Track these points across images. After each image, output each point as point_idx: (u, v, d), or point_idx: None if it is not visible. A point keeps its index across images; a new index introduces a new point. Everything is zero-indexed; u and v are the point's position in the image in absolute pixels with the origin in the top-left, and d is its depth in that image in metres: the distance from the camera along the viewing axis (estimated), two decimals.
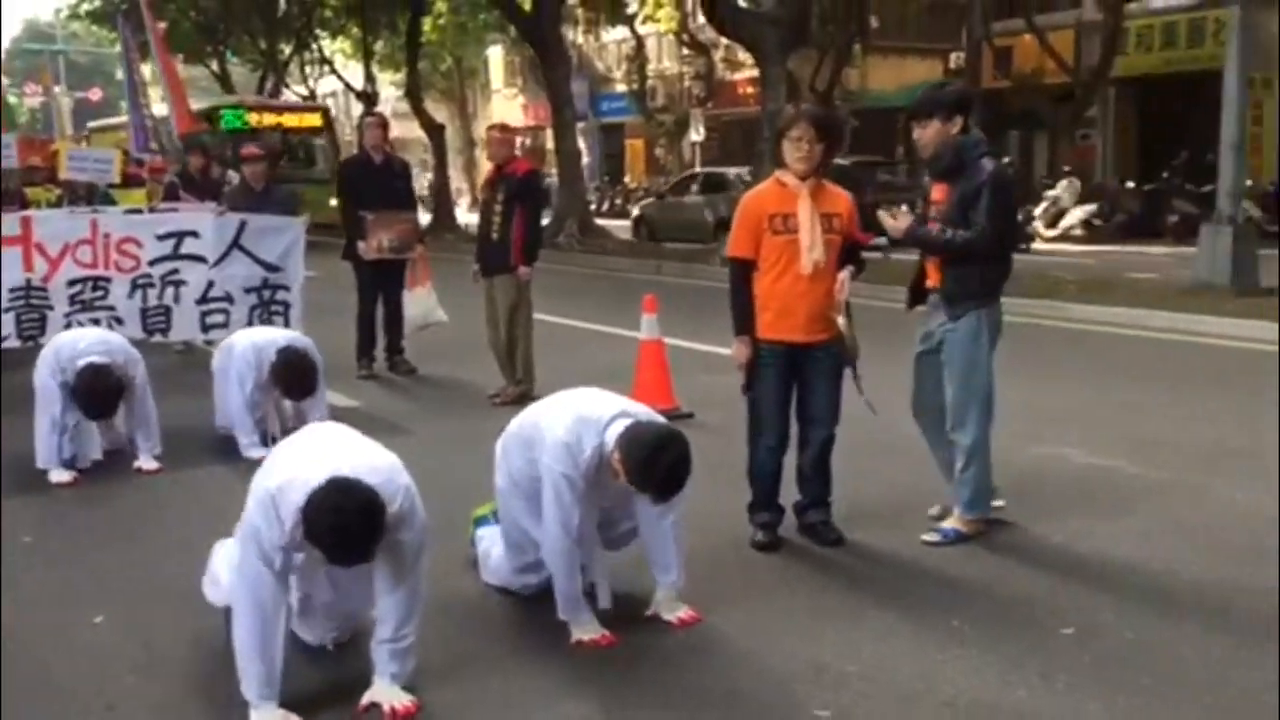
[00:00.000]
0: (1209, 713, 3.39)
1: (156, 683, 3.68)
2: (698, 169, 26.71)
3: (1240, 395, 7.71)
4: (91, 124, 33.68)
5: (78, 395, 5.79)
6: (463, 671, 3.70)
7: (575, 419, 3.87)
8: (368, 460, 3.36)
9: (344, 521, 3.07)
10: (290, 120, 26.28)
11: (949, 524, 4.87)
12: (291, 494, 3.18)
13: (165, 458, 6.22)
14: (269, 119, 25.69)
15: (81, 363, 5.79)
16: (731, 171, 23.24)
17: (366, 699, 3.43)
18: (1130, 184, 23.24)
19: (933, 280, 4.84)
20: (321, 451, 3.39)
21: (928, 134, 4.73)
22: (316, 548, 3.19)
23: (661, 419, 4.00)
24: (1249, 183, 16.80)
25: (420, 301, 8.76)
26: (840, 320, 4.73)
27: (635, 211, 24.90)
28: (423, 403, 8.13)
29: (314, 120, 26.37)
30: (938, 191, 4.83)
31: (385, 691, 3.44)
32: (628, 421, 3.80)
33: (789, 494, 4.98)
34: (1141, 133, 26.53)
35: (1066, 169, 23.10)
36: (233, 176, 11.03)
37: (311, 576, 3.55)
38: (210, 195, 9.88)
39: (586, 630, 3.90)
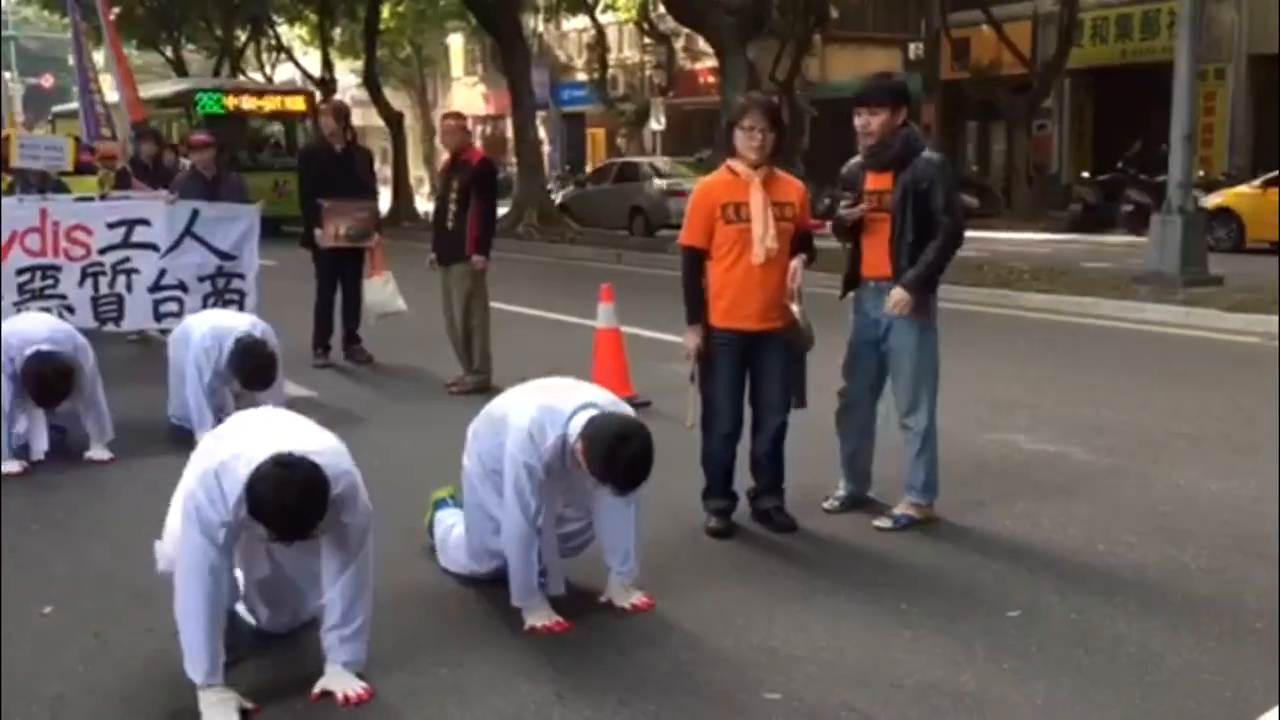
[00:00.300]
0: (1148, 690, 3.47)
1: (107, 671, 3.66)
2: (614, 159, 27.11)
3: (1187, 382, 7.85)
4: (56, 109, 32.40)
5: (26, 382, 5.73)
6: (416, 659, 3.71)
7: (540, 408, 3.89)
8: (312, 441, 3.37)
9: (288, 496, 3.08)
10: (272, 104, 24.28)
11: (901, 510, 4.93)
12: (235, 470, 3.18)
13: (118, 447, 6.17)
14: (249, 103, 23.90)
15: (29, 350, 5.73)
16: (645, 161, 24.26)
17: (319, 687, 3.44)
18: (1085, 174, 23.54)
19: (883, 270, 4.87)
20: (265, 430, 3.40)
21: (877, 122, 4.76)
22: (260, 523, 3.19)
23: (628, 410, 4.02)
24: (1200, 173, 17.09)
25: (379, 290, 8.72)
26: (794, 308, 4.76)
27: (558, 200, 25.00)
28: (380, 391, 8.10)
29: (298, 104, 24.06)
30: (877, 180, 4.83)
31: (338, 679, 3.44)
32: (592, 412, 3.82)
33: (743, 481, 5.03)
34: (1097, 123, 26.89)
35: None
36: (185, 164, 10.92)
37: (254, 559, 3.55)
38: (163, 183, 9.78)
39: (540, 617, 3.92)
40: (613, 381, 7.27)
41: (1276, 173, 17.42)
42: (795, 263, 4.74)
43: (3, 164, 11.36)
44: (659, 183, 21.86)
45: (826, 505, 5.13)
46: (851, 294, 5.05)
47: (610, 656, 3.73)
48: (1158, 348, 9.44)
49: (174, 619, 3.32)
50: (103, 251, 7.75)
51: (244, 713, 3.31)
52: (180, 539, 3.33)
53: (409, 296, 8.75)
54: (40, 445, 6.03)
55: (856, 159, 5.02)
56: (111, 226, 7.82)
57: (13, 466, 5.85)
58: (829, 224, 5.11)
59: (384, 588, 4.26)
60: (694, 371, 4.89)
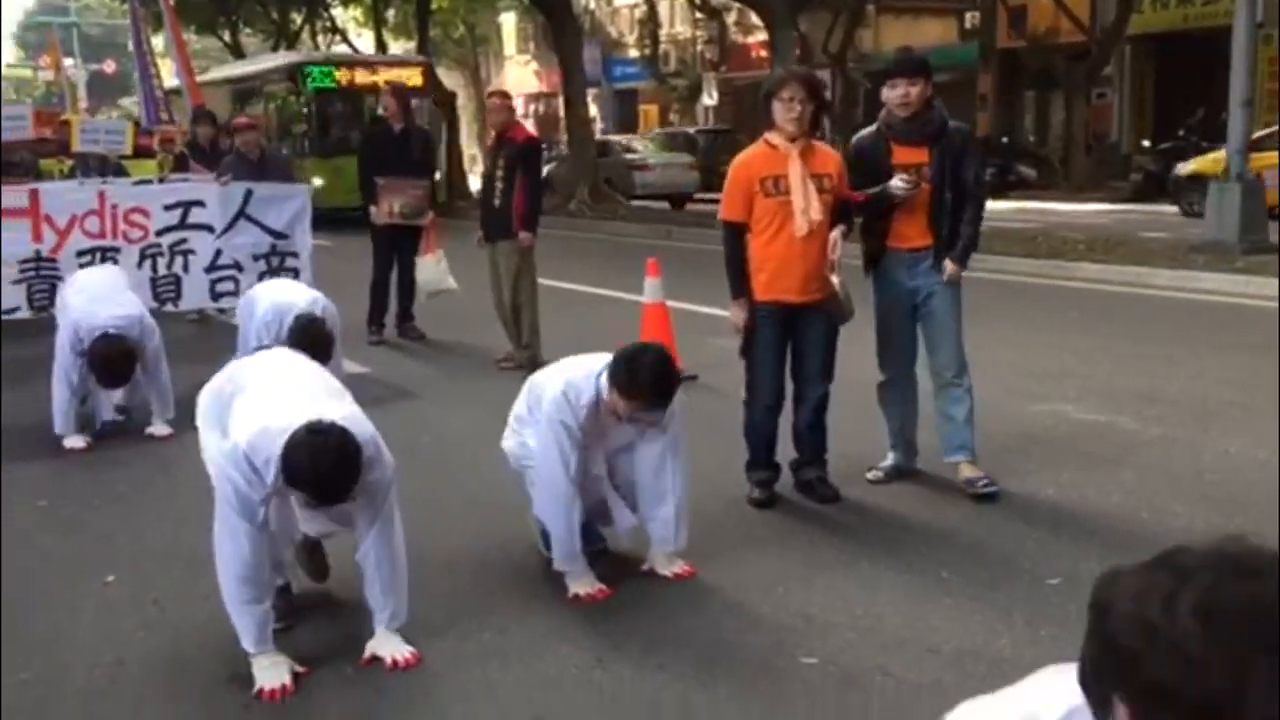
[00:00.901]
0: None
1: (165, 638, 3.80)
2: (598, 135, 28.27)
3: (1241, 351, 7.74)
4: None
5: (93, 364, 5.91)
6: (461, 624, 3.81)
7: (571, 372, 4.03)
8: (330, 405, 3.47)
9: (323, 464, 3.18)
10: (388, 78, 19.94)
11: (972, 473, 4.92)
12: (264, 446, 3.28)
13: (177, 424, 6.33)
14: (362, 76, 20.97)
15: (97, 332, 5.90)
16: (616, 139, 27.33)
17: (369, 652, 3.55)
18: (1146, 143, 23.11)
19: (915, 241, 4.89)
20: (276, 398, 3.50)
21: (916, 92, 4.75)
22: (299, 491, 3.31)
23: None
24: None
25: (431, 269, 8.85)
26: (834, 279, 4.78)
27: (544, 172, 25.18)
28: (432, 367, 8.24)
29: (415, 77, 20.87)
30: (908, 154, 4.82)
31: (386, 643, 3.55)
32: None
33: (787, 453, 5.06)
34: (1158, 91, 26.35)
35: None
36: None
37: (287, 513, 3.67)
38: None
39: (583, 584, 4.00)
40: None
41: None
42: (835, 234, 4.75)
43: (64, 148, 11.64)
44: (627, 157, 25.51)
45: (870, 476, 5.15)
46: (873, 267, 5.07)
47: (650, 622, 3.80)
48: (1214, 317, 9.30)
49: None
50: (160, 233, 7.93)
51: (295, 676, 3.43)
52: (218, 521, 3.43)
53: (459, 274, 8.87)
54: (104, 416, 6.23)
55: (867, 131, 5.05)
56: (168, 209, 8.00)
57: (77, 443, 6.05)
58: (862, 204, 5.07)
59: (431, 556, 4.38)
60: (741, 345, 4.93)
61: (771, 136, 4.75)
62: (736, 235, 4.85)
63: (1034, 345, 7.76)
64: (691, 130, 29.34)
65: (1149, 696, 1.09)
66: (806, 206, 4.67)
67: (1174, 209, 17.83)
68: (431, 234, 8.93)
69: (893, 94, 4.82)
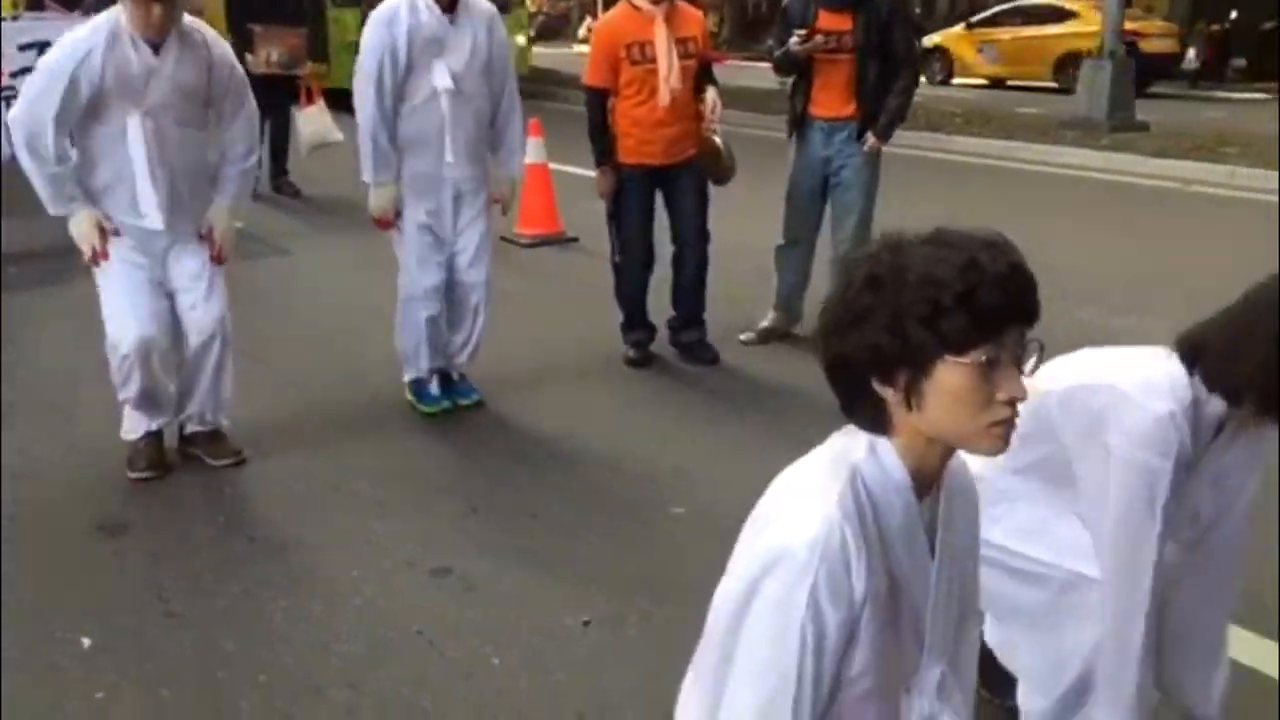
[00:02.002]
0: None
1: (34, 488, 3.77)
2: None
3: (1099, 224, 8.06)
4: None
5: None
6: (340, 477, 3.87)
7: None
8: None
9: None
10: None
11: None
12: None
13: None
14: None
15: None
16: None
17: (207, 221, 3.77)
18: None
19: (835, 111, 4.91)
20: None
21: None
22: None
23: None
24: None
25: (314, 121, 8.54)
26: (716, 139, 4.81)
27: None
28: (310, 225, 8.07)
29: None
30: (833, 20, 4.82)
31: (223, 217, 3.80)
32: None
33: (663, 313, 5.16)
34: None
35: None
36: None
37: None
38: (77, 4, 9.42)
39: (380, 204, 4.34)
40: (540, 217, 7.34)
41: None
42: (713, 95, 4.77)
43: None
44: None
45: (743, 338, 5.28)
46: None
47: (524, 475, 3.91)
48: (1078, 191, 9.62)
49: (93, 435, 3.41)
50: (14, 75, 7.50)
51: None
52: None
53: (342, 128, 8.60)
54: None
55: None
56: (23, 49, 7.55)
57: None
58: (773, 64, 5.06)
59: (308, 411, 4.41)
60: (608, 210, 4.95)
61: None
62: (601, 101, 4.79)
63: (908, 217, 7.93)
64: None
65: None
66: (669, 74, 4.65)
67: (1047, 85, 18.21)
68: (313, 84, 8.63)
69: None
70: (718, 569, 1.48)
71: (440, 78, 4.09)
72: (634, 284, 5.02)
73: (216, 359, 3.82)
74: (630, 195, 4.86)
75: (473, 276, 4.40)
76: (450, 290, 4.41)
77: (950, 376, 1.26)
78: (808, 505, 1.30)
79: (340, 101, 6.98)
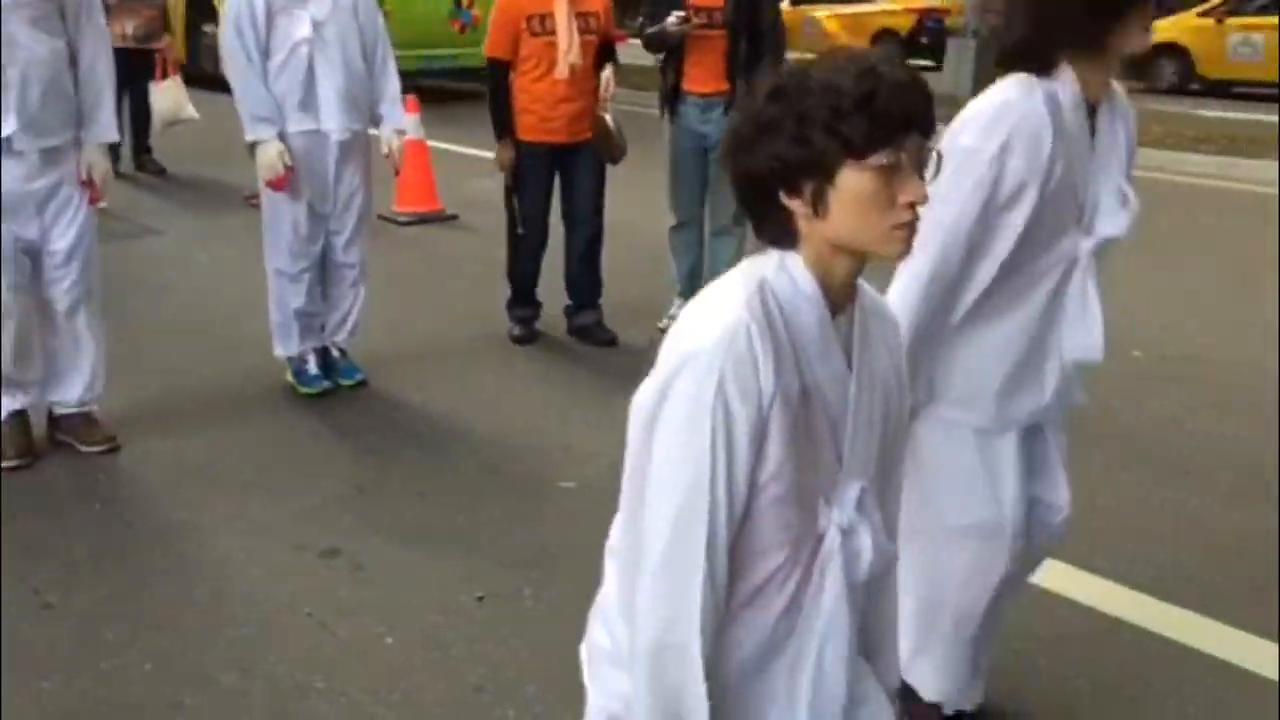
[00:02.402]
0: None
1: None
2: None
3: None
4: None
5: None
6: (220, 460, 3.78)
7: None
8: None
9: None
10: None
11: None
12: None
13: None
14: None
15: None
16: None
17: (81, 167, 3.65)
18: None
19: (709, 85, 4.92)
20: None
21: None
22: None
23: None
24: None
25: (169, 95, 8.26)
26: (607, 118, 4.81)
27: None
28: (174, 203, 7.81)
29: None
30: None
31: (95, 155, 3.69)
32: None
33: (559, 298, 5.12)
34: None
35: None
36: None
37: None
38: None
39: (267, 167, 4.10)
40: (418, 194, 7.25)
41: None
42: (606, 73, 4.77)
43: None
44: None
45: (662, 325, 5.22)
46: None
47: (413, 454, 3.87)
48: None
49: None
50: None
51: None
52: None
53: (199, 104, 8.36)
54: None
55: None
56: None
57: None
58: (643, 40, 5.05)
59: (184, 389, 4.31)
60: (507, 184, 4.91)
61: None
62: (502, 73, 4.77)
63: None
64: None
65: None
66: (569, 48, 4.64)
67: (918, 62, 18.66)
68: (169, 58, 8.34)
69: None
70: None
71: (301, 27, 4.02)
72: (531, 260, 4.99)
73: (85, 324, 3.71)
74: (530, 172, 4.83)
75: (350, 257, 4.35)
76: (325, 268, 4.34)
77: (853, 180, 1.30)
78: (716, 311, 1.35)
79: None
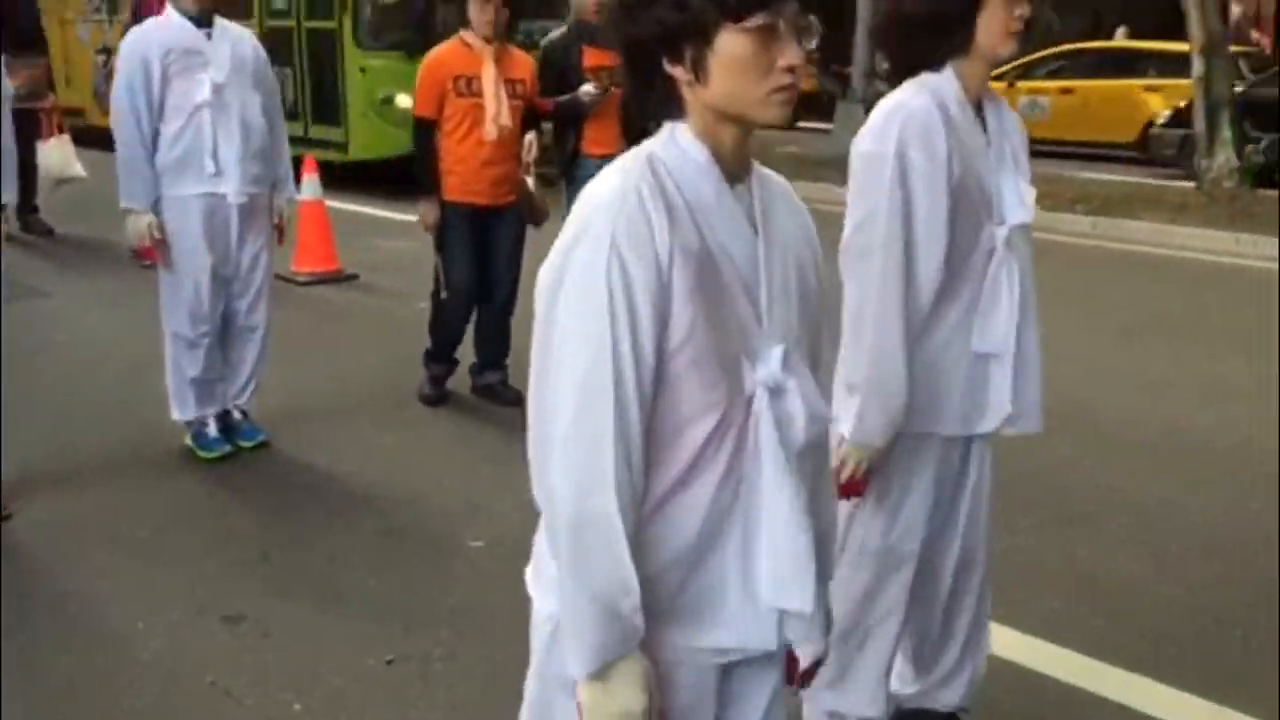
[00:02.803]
0: None
1: None
2: None
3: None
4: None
5: None
6: (115, 525, 3.70)
7: None
8: None
9: None
10: None
11: None
12: None
13: None
14: None
15: None
16: None
17: None
18: None
19: (609, 147, 4.99)
20: None
21: None
22: None
23: None
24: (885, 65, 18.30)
25: (55, 154, 8.10)
26: (529, 181, 4.87)
27: None
28: (63, 264, 7.64)
29: None
30: (599, 57, 4.89)
31: None
32: None
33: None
34: None
35: None
36: None
37: None
38: None
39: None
40: (317, 255, 7.20)
41: None
42: (530, 137, 4.83)
43: None
44: None
45: None
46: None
47: (319, 518, 3.83)
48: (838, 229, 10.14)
49: None
50: None
51: None
52: None
53: (86, 162, 8.20)
54: None
55: (558, 33, 5.12)
56: None
57: None
58: (555, 110, 5.12)
59: (75, 455, 4.21)
60: (435, 242, 4.89)
61: (467, 35, 4.70)
62: (428, 132, 4.79)
63: None
64: None
65: None
66: (498, 112, 4.68)
67: (813, 125, 19.11)
68: (55, 116, 8.18)
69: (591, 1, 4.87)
70: (519, 599, 1.52)
71: (200, 91, 4.01)
72: (457, 319, 4.98)
73: None
74: (454, 232, 4.84)
75: (254, 320, 4.32)
76: (226, 332, 4.30)
77: (731, 44, 1.35)
78: (605, 184, 1.40)
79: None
